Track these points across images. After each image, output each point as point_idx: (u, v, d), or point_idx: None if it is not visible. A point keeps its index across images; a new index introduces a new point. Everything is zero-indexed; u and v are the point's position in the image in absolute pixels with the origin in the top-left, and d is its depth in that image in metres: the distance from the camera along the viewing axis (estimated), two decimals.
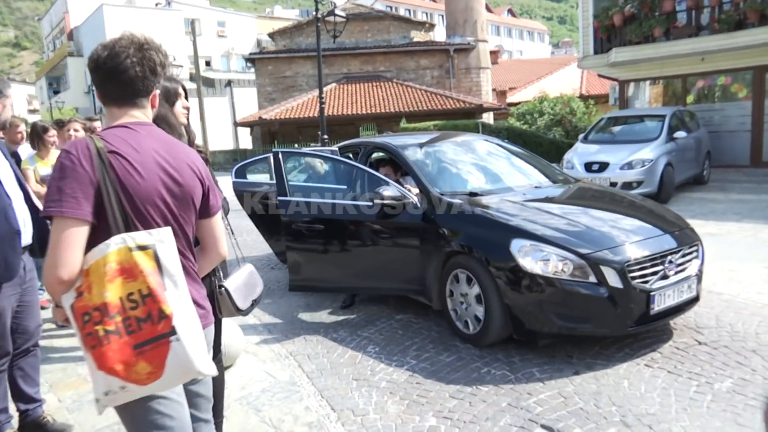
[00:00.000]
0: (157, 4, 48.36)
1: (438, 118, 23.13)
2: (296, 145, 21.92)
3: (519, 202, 4.28)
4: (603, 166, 9.27)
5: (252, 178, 6.08)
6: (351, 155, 6.29)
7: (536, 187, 4.77)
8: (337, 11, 12.47)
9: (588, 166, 9.43)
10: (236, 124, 29.13)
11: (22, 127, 5.26)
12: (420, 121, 22.16)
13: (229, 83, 39.88)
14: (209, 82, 41.50)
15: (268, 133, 26.66)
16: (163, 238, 1.64)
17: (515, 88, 35.97)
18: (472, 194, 4.43)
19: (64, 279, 1.51)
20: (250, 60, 28.33)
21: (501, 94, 35.03)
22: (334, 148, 5.91)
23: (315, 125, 15.91)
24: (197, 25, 45.88)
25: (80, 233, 1.55)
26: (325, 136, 13.74)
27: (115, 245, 1.56)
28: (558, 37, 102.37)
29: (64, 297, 1.57)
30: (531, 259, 3.61)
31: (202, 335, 1.67)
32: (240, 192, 5.67)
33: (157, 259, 1.60)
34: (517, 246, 3.67)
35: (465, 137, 5.79)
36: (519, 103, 25.75)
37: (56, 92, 50.30)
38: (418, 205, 4.36)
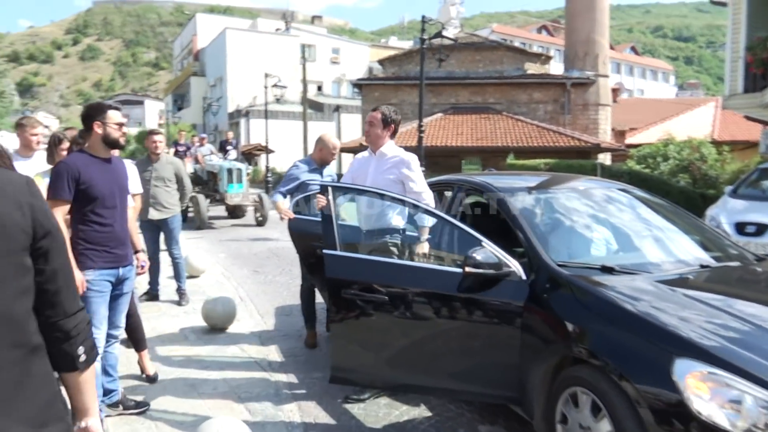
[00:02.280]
0: (277, 30, 50.19)
1: (549, 156, 21.38)
2: None
3: (680, 291, 2.86)
4: (762, 229, 7.38)
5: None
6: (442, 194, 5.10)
7: (702, 265, 3.29)
8: (444, 33, 11.46)
9: (740, 228, 7.57)
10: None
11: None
12: (529, 158, 20.53)
13: (337, 108, 40.12)
14: (318, 107, 42.06)
15: None
16: None
17: (636, 129, 33.42)
18: (605, 269, 3.05)
19: None
20: (358, 86, 28.05)
21: (619, 134, 32.53)
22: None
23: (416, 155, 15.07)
24: (312, 51, 47.14)
25: None
26: (422, 168, 12.58)
27: None
28: (683, 78, 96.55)
29: None
30: (708, 397, 2.20)
31: None
32: (295, 231, 4.53)
33: None
34: (685, 370, 2.27)
35: (588, 183, 4.42)
36: (640, 145, 23.46)
37: (180, 108, 53.37)
38: (524, 277, 3.06)
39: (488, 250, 3.07)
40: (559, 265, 3.06)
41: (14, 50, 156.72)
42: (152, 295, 6.30)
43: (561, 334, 2.80)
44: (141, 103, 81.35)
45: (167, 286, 6.52)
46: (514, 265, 3.07)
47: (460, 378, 3.23)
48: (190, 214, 13.18)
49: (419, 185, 3.86)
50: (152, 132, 6.06)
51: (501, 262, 3.05)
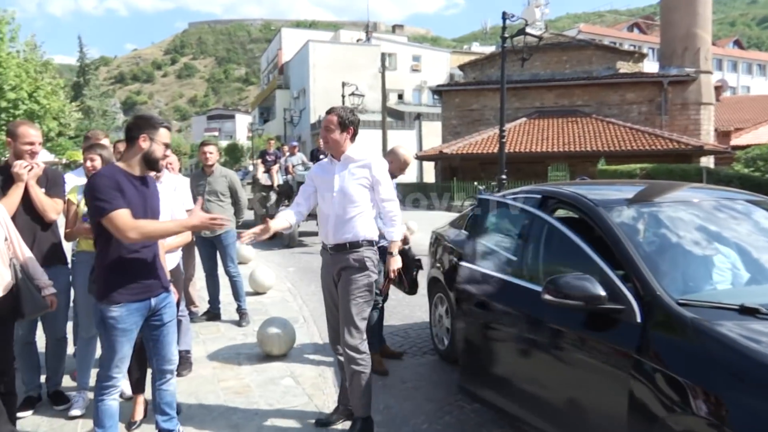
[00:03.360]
0: (358, 40, 50.60)
1: (644, 159, 19.84)
2: (476, 183, 20.25)
3: None
4: None
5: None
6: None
7: None
8: (528, 29, 10.64)
9: None
10: (418, 158, 28.35)
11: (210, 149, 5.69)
12: (622, 163, 19.14)
13: (418, 116, 39.72)
14: (399, 115, 41.82)
15: (449, 168, 25.39)
16: None
17: (742, 129, 30.84)
18: (746, 311, 2.28)
19: None
20: (438, 92, 27.50)
21: (723, 135, 30.02)
22: (495, 197, 4.03)
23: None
24: (393, 59, 47.05)
25: None
26: (503, 176, 11.83)
27: None
28: None
29: None
30: None
31: None
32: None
33: None
34: None
35: (702, 193, 3.58)
36: (748, 147, 21.38)
37: (266, 121, 54.98)
38: (639, 318, 2.35)
39: (593, 279, 2.45)
40: (678, 302, 2.32)
41: (120, 72, 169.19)
42: (213, 314, 5.99)
43: (681, 400, 2.07)
44: (232, 117, 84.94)
45: (230, 304, 6.18)
46: (629, 303, 2.38)
47: (562, 421, 2.70)
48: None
49: (389, 192, 3.50)
50: (203, 143, 5.76)
51: (605, 295, 2.39)
